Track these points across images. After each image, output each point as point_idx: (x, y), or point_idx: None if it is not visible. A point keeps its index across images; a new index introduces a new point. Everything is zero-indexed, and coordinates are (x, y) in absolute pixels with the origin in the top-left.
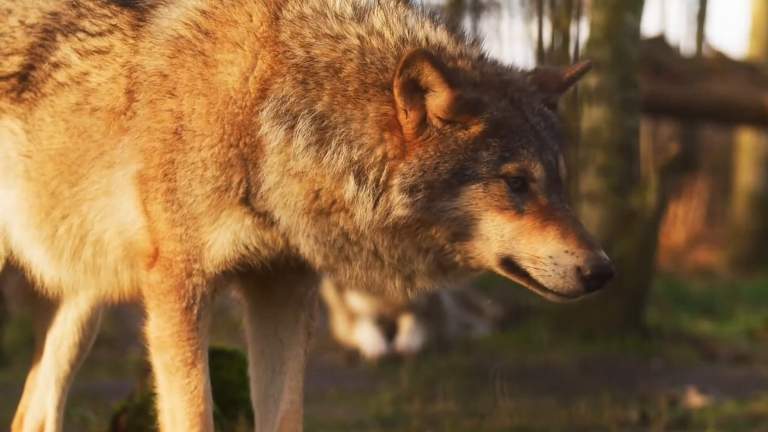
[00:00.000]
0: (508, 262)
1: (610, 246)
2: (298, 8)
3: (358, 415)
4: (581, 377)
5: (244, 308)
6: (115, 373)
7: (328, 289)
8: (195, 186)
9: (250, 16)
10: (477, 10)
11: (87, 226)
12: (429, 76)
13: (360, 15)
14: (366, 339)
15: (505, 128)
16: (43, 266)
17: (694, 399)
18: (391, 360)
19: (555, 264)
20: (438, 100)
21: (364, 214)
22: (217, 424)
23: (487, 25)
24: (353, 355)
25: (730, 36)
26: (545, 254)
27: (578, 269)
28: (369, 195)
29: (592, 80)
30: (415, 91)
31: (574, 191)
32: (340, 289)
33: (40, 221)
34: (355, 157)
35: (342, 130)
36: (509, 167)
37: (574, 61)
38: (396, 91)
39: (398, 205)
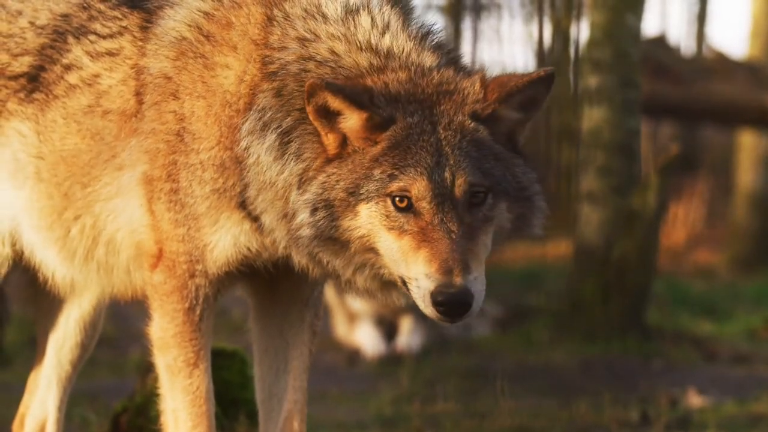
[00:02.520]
0: (403, 281)
1: (610, 246)
2: (289, 8)
3: (359, 416)
4: (582, 377)
5: (249, 307)
6: (115, 373)
7: (328, 290)
8: (195, 187)
9: (247, 18)
10: (477, 11)
11: (100, 226)
12: (335, 102)
13: (346, 16)
14: (366, 339)
15: (402, 145)
16: (56, 266)
17: (695, 399)
18: (392, 360)
19: (418, 287)
20: (350, 122)
21: (298, 227)
22: (218, 424)
23: (487, 25)
24: (353, 355)
25: (731, 36)
26: (413, 275)
27: (431, 294)
28: (299, 209)
29: (592, 81)
30: (329, 115)
31: (575, 191)
32: (340, 290)
33: (51, 222)
34: (299, 170)
35: (296, 144)
36: (393, 186)
37: (574, 62)
38: (311, 117)
39: (304, 225)
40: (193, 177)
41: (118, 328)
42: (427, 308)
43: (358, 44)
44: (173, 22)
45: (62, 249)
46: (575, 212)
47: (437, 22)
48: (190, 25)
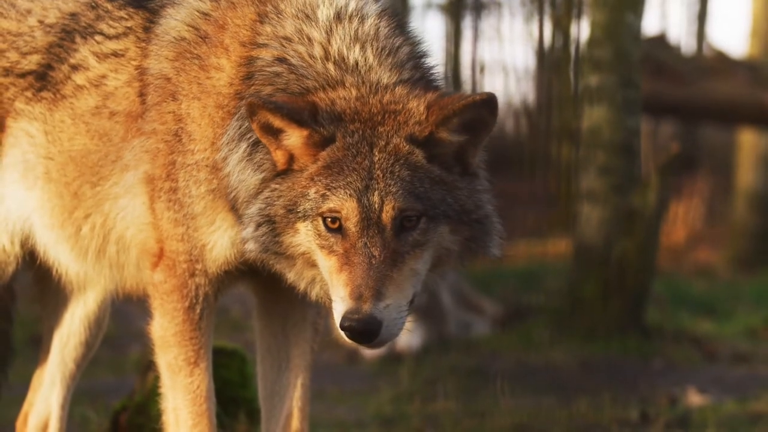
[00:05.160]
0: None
1: (610, 245)
2: (283, 6)
3: (358, 414)
4: (582, 377)
5: (252, 305)
6: (115, 372)
7: None
8: (192, 187)
9: (241, 19)
10: (478, 10)
11: (109, 224)
12: (275, 120)
13: (333, 22)
14: None
15: (337, 166)
16: (69, 263)
17: (695, 398)
18: (391, 359)
19: (335, 308)
20: (291, 140)
21: (244, 240)
22: (219, 422)
23: (487, 24)
24: (353, 354)
25: (731, 35)
26: (334, 297)
27: (341, 318)
28: (246, 223)
29: (593, 80)
30: (274, 133)
31: (575, 190)
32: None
33: (63, 221)
34: (257, 182)
35: (261, 155)
36: (324, 207)
37: (574, 61)
38: (257, 134)
39: (249, 239)
40: (190, 177)
41: (119, 327)
42: (340, 331)
43: (330, 53)
44: (174, 22)
45: (74, 247)
46: (575, 211)
47: (419, 28)
48: (189, 26)
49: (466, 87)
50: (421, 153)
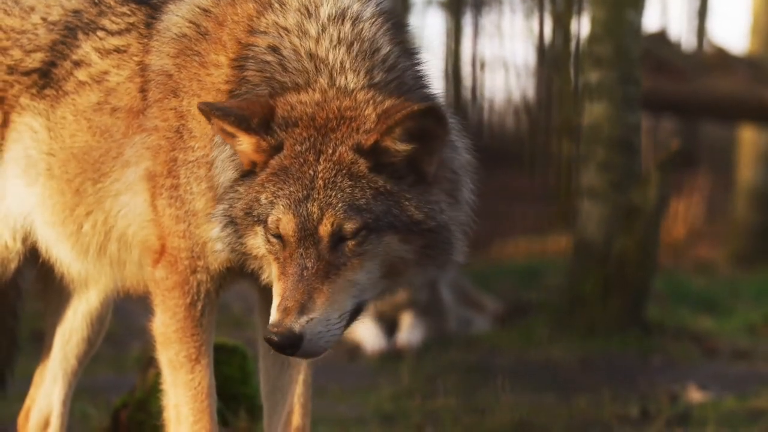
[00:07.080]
0: None
1: (610, 242)
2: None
3: (359, 411)
4: (582, 373)
5: (254, 301)
6: (115, 369)
7: None
8: (192, 184)
9: (239, 16)
10: (478, 6)
11: (111, 222)
12: (226, 127)
13: (332, 20)
14: (366, 335)
15: (283, 174)
16: (70, 261)
17: (695, 395)
18: (392, 356)
19: (268, 317)
20: (243, 146)
21: (212, 241)
22: (221, 418)
23: (488, 21)
24: (354, 351)
25: (731, 32)
26: (272, 304)
27: (265, 329)
28: (213, 222)
29: (593, 76)
30: (230, 137)
31: (575, 187)
32: None
33: (64, 218)
34: (230, 181)
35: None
36: (269, 215)
37: (575, 57)
38: (220, 136)
39: (215, 239)
40: (191, 174)
41: (119, 323)
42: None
43: (315, 52)
44: (175, 18)
45: (75, 244)
46: (575, 208)
47: (419, 25)
48: (190, 22)
49: (467, 83)
50: (365, 162)
